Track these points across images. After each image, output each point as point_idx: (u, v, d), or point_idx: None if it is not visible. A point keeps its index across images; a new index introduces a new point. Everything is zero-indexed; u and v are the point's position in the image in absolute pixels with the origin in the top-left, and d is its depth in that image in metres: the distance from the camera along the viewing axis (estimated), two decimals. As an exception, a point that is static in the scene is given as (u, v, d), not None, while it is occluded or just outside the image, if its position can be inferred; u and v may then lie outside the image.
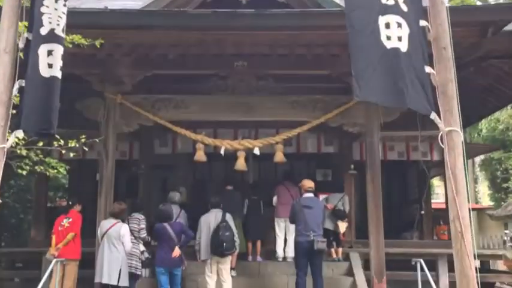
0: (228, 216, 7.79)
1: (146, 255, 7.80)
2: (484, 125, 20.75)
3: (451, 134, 4.16)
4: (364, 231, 11.29)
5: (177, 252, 6.75)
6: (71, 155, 10.39)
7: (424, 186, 11.80)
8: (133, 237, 7.76)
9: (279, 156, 7.93)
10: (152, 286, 8.42)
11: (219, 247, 7.40)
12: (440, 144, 4.24)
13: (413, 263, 6.90)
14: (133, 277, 7.64)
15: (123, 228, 6.98)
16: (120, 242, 6.91)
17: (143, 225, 7.87)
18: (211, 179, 12.91)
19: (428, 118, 3.73)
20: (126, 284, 6.94)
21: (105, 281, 6.82)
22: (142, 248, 7.82)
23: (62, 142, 5.94)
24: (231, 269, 8.54)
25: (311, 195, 7.88)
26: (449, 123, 4.17)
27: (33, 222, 10.62)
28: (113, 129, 7.93)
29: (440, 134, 4.24)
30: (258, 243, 9.18)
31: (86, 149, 6.45)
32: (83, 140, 6.10)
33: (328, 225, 9.21)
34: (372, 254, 7.56)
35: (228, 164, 12.72)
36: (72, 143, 6.08)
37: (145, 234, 7.86)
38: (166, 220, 7.02)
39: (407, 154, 10.47)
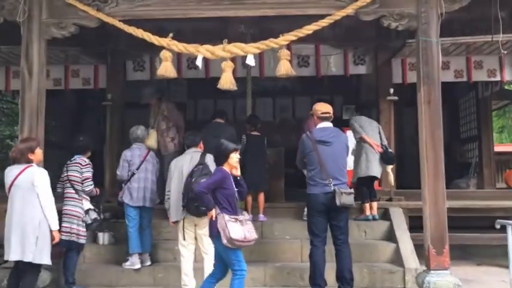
0: (209, 158, 5.26)
1: (93, 215, 5.41)
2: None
3: None
4: (405, 178, 8.77)
5: None
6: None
7: (484, 119, 9.01)
8: (73, 191, 5.38)
9: (284, 67, 5.18)
10: (115, 255, 6.12)
11: (193, 201, 4.92)
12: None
13: (497, 226, 4.30)
14: (73, 248, 5.31)
15: (38, 175, 4.52)
16: (35, 194, 4.46)
17: (88, 174, 5.44)
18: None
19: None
20: (47, 261, 4.53)
21: (14, 257, 4.43)
22: (87, 205, 5.43)
23: None
24: (221, 232, 6.13)
25: (328, 124, 5.24)
26: None
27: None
28: (39, 33, 5.39)
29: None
30: (261, 197, 6.65)
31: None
32: None
33: (377, 171, 6.63)
34: (427, 210, 4.99)
35: (237, 101, 10.26)
36: None
37: (92, 185, 5.43)
38: None
39: (468, 73, 7.64)
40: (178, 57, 7.59)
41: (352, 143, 6.74)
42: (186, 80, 10.13)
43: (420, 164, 5.12)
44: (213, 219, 4.46)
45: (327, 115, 5.22)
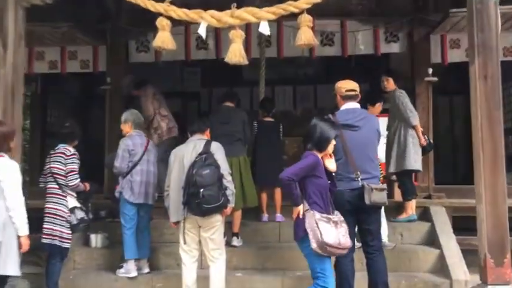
0: (215, 146, 4.40)
1: (80, 215, 4.59)
2: None
3: None
4: (446, 173, 7.77)
5: None
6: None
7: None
8: (56, 186, 4.58)
9: (305, 35, 4.22)
10: (109, 260, 5.31)
11: (194, 197, 4.06)
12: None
13: None
14: (56, 253, 4.52)
15: (5, 168, 3.69)
16: (0, 191, 3.64)
17: (73, 166, 4.63)
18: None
19: None
20: (13, 272, 3.71)
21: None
22: (73, 203, 4.62)
23: None
24: (233, 234, 5.30)
25: (355, 104, 4.31)
26: None
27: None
28: (15, -1, 4.57)
29: None
30: (278, 194, 5.74)
31: None
32: None
33: (420, 164, 5.67)
34: (483, 211, 4.01)
35: (254, 89, 9.40)
36: None
37: (77, 179, 4.61)
38: None
39: (522, 52, 6.59)
40: (186, 37, 6.79)
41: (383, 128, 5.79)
42: (199, 66, 9.34)
43: (474, 154, 4.14)
44: (300, 217, 3.64)
45: (353, 93, 4.30)
